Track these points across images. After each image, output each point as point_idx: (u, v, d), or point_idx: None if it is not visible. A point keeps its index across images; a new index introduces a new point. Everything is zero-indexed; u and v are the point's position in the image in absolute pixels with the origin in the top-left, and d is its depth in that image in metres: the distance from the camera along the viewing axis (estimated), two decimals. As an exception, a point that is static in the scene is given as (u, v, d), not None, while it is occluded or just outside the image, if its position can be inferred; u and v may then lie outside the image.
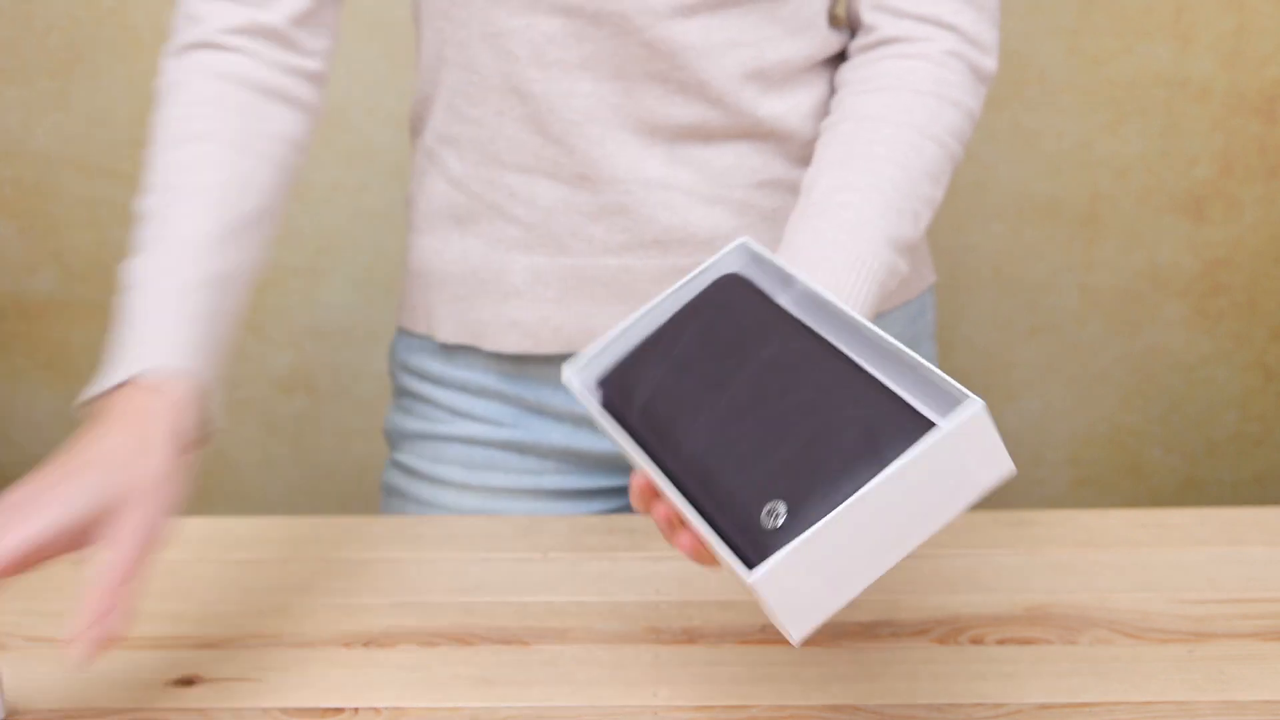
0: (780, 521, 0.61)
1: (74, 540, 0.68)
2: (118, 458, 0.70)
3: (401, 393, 1.05)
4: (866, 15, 0.92)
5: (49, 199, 1.61)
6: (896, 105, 0.87)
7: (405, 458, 1.03)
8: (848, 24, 0.96)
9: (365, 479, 1.74)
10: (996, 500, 1.76)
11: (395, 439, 1.05)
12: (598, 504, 1.02)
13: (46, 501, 0.68)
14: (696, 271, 0.77)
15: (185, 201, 0.82)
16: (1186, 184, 1.60)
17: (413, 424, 1.03)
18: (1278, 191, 1.60)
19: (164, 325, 0.77)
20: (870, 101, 0.88)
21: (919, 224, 0.85)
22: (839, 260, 0.80)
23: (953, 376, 1.49)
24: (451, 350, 1.00)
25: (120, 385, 0.75)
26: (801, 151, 0.94)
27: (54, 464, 0.70)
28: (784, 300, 0.75)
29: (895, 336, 1.02)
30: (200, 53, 0.87)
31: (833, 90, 0.95)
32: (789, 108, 0.93)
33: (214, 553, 0.92)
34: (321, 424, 1.72)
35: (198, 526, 0.96)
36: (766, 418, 0.66)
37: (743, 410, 0.67)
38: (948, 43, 0.89)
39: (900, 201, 0.83)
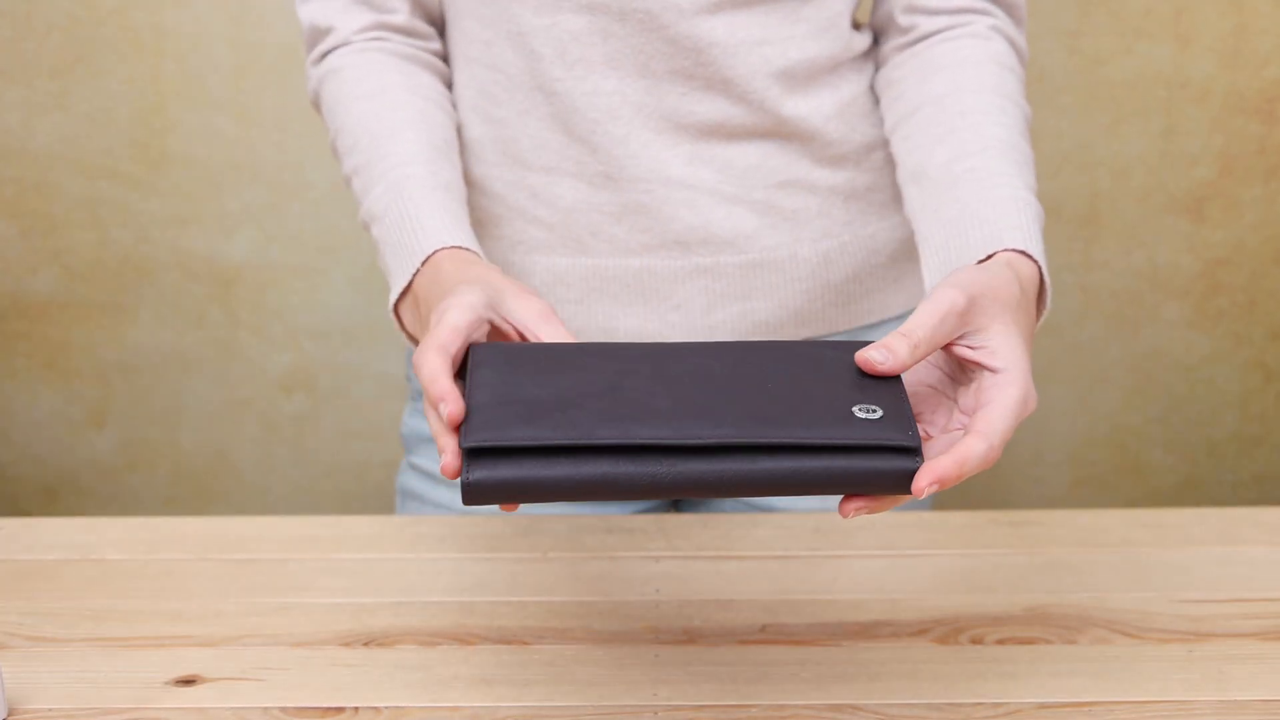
0: (879, 414, 0.64)
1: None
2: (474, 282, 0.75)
3: (419, 395, 1.04)
4: (902, 18, 0.94)
5: (49, 199, 1.61)
6: (964, 76, 0.89)
7: (422, 461, 1.03)
8: (874, 27, 0.97)
9: (365, 479, 1.74)
10: (996, 500, 1.76)
11: (412, 442, 1.05)
12: (612, 509, 1.02)
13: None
14: None
15: (389, 140, 0.88)
16: (1186, 184, 1.60)
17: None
18: (1277, 191, 1.60)
19: (431, 214, 0.84)
20: (937, 81, 0.90)
21: (1033, 172, 0.85)
22: (1000, 208, 0.80)
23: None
24: None
25: (419, 270, 0.81)
26: (824, 152, 0.95)
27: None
28: None
29: None
30: (342, 49, 0.93)
31: (878, 97, 0.96)
32: (812, 108, 0.93)
33: (214, 553, 0.92)
34: (321, 424, 1.72)
35: (198, 526, 0.96)
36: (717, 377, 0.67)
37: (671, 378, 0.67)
38: (988, 21, 0.92)
39: (1013, 153, 0.85)
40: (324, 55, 0.94)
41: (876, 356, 0.66)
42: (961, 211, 0.81)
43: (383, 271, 0.86)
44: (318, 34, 0.94)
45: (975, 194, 0.82)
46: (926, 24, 0.93)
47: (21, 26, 1.54)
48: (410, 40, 0.94)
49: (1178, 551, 0.91)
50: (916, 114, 0.90)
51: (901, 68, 0.93)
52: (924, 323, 0.67)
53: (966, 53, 0.90)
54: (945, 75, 0.90)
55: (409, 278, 0.81)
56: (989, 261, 0.76)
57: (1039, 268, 0.78)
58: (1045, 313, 0.79)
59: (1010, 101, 0.88)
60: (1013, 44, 0.93)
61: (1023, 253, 0.77)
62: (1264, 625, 0.83)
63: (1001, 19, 0.93)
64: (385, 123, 0.89)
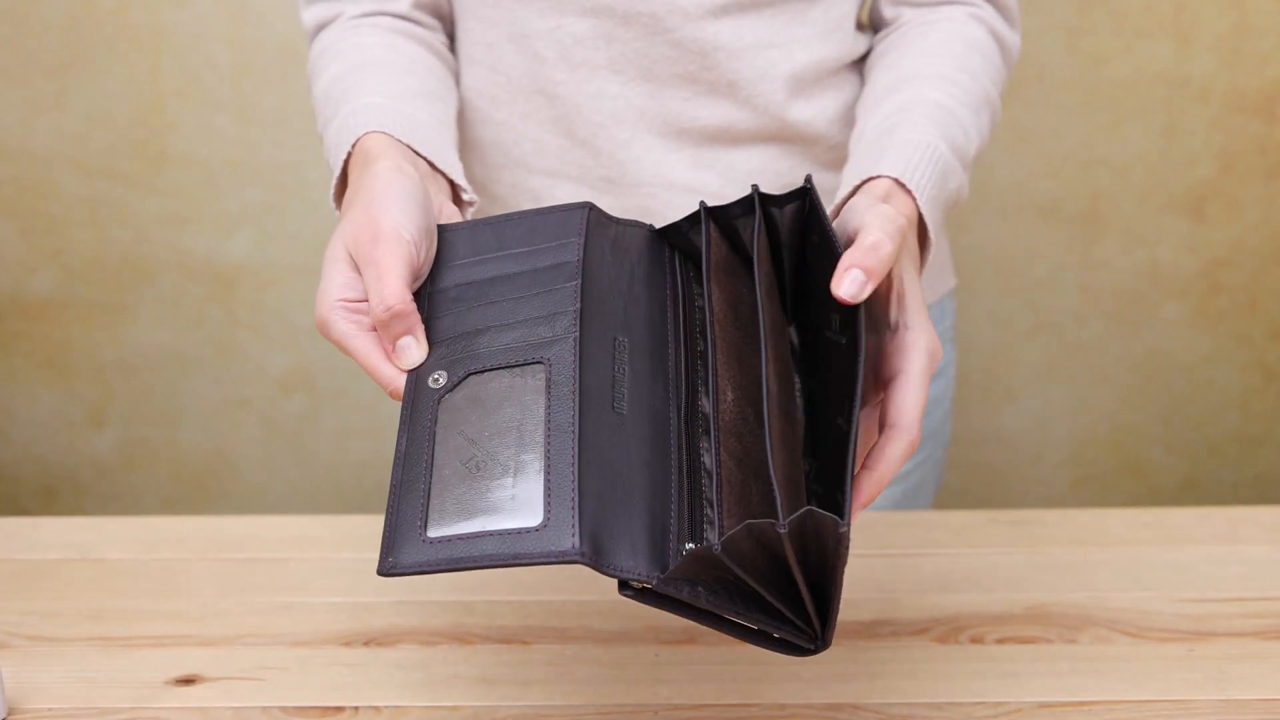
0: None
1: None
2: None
3: None
4: (888, 11, 0.94)
5: (49, 199, 1.61)
6: (925, 58, 0.89)
7: None
8: (870, 26, 0.97)
9: (365, 479, 1.74)
10: (996, 500, 1.76)
11: None
12: None
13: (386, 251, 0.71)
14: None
15: (369, 79, 0.84)
16: (1186, 184, 1.60)
17: None
18: (1278, 191, 1.60)
19: (384, 99, 0.82)
20: (900, 63, 0.90)
21: (969, 139, 0.84)
22: (897, 150, 0.78)
23: (956, 376, 1.49)
24: None
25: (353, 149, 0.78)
26: (828, 155, 0.94)
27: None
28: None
29: None
30: (339, 23, 0.91)
31: (863, 83, 0.96)
32: (817, 111, 0.93)
33: (214, 552, 0.92)
34: (321, 424, 1.72)
35: (198, 526, 0.96)
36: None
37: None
38: (968, 10, 0.92)
39: (945, 115, 0.83)
40: (320, 34, 0.92)
41: (853, 289, 0.63)
42: (862, 158, 0.80)
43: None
44: (317, 15, 0.93)
45: (881, 150, 0.80)
46: (909, 15, 0.93)
47: (20, 26, 1.54)
48: (405, 24, 0.92)
49: (1178, 551, 0.91)
50: (872, 93, 0.89)
51: (882, 56, 0.93)
52: (887, 239, 0.66)
53: (934, 37, 0.90)
54: (909, 59, 0.89)
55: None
56: (865, 193, 0.74)
57: (916, 204, 0.75)
58: (929, 255, 0.77)
59: (965, 75, 0.87)
60: (994, 34, 0.92)
61: (900, 184, 0.75)
62: (1264, 625, 0.83)
63: (987, 13, 0.92)
64: (355, 72, 0.86)
